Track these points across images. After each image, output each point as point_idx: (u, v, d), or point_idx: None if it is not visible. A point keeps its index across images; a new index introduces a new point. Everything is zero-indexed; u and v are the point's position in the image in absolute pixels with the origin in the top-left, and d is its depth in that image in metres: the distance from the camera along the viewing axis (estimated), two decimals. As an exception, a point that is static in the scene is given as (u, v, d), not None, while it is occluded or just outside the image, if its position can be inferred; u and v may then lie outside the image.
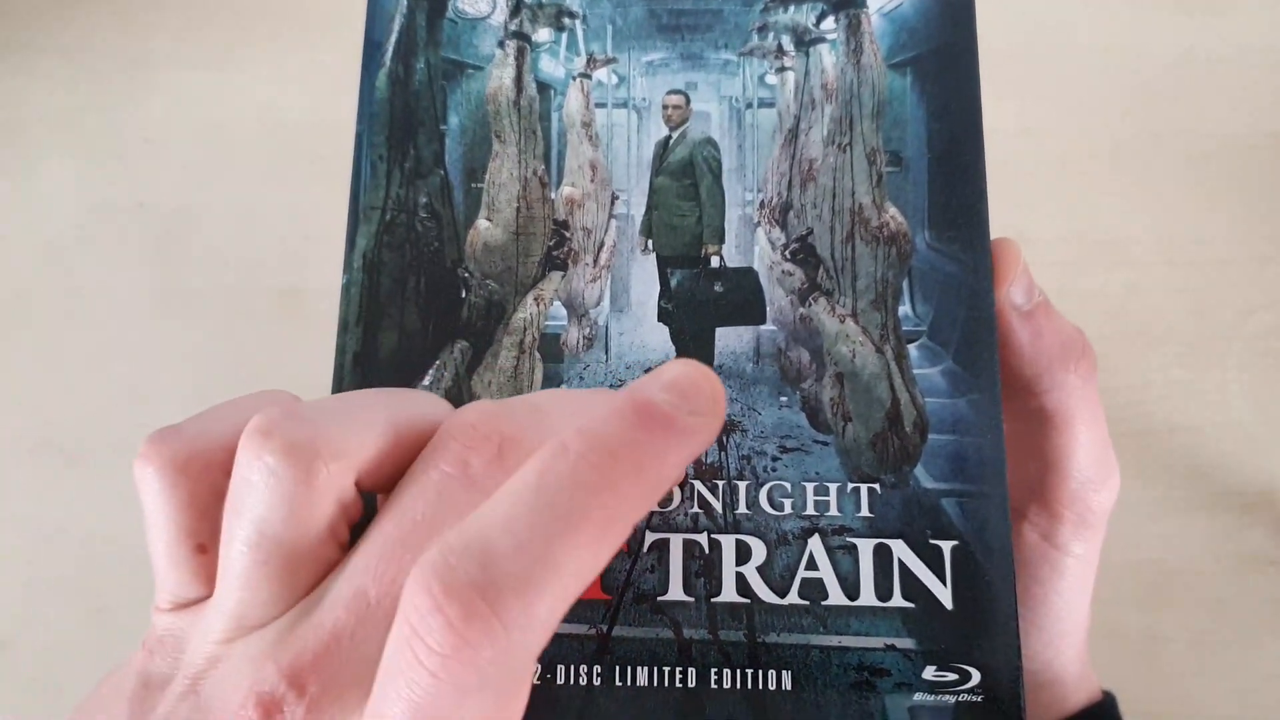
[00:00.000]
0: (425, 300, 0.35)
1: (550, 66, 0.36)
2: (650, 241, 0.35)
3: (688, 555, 0.32)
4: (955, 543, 0.32)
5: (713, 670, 0.31)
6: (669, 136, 0.36)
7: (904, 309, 0.34)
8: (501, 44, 0.36)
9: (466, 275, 0.35)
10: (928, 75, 0.35)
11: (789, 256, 0.35)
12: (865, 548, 0.32)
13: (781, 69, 0.36)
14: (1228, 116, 0.79)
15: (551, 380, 0.34)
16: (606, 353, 0.35)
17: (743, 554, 0.32)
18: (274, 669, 0.22)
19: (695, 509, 0.32)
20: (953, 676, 0.31)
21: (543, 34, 0.36)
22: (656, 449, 0.23)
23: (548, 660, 0.31)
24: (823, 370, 0.34)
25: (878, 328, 0.34)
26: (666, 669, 0.31)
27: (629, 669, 0.31)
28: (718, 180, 0.36)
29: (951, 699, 0.31)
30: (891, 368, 0.33)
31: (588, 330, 0.35)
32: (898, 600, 0.31)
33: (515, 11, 0.36)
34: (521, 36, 0.36)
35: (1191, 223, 0.77)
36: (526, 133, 0.36)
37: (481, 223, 0.35)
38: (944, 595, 0.31)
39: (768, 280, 0.35)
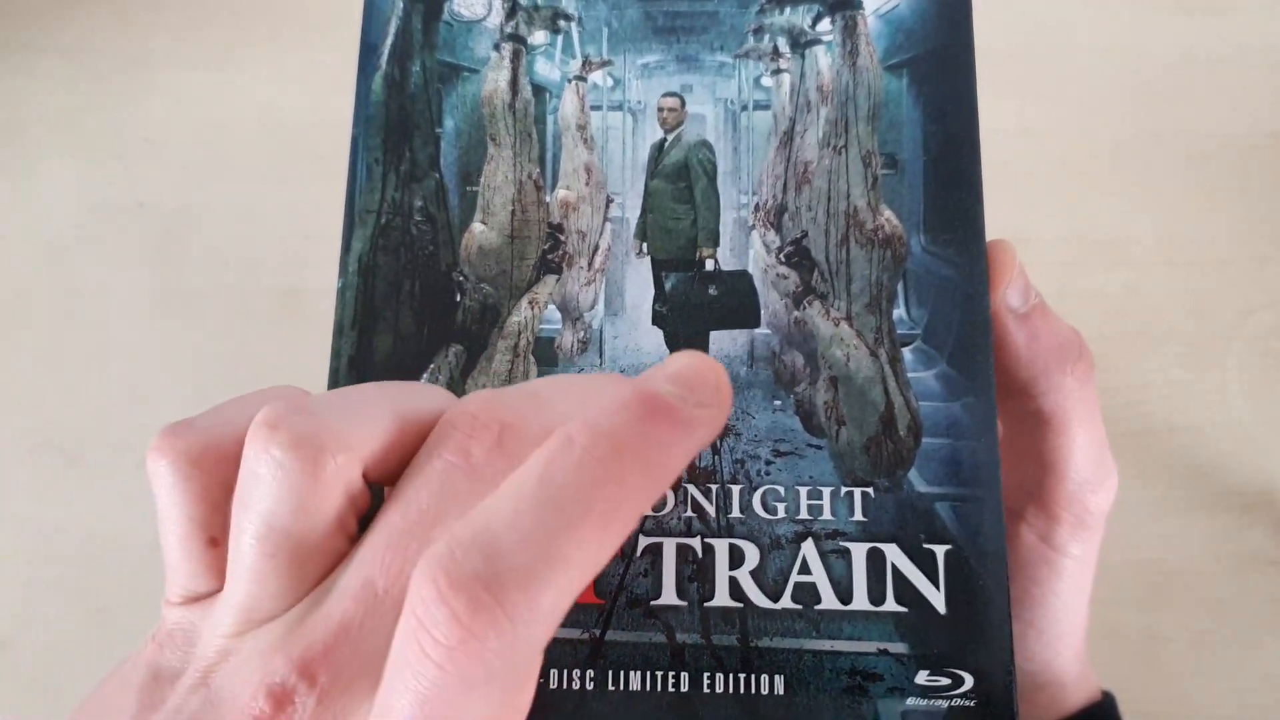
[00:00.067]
0: (420, 304, 0.35)
1: (546, 69, 0.36)
2: (645, 245, 0.35)
3: (681, 559, 0.32)
4: (949, 547, 0.32)
5: (705, 675, 0.31)
6: (664, 139, 0.36)
7: (899, 312, 0.34)
8: (497, 46, 0.36)
9: (461, 279, 0.35)
10: (924, 77, 0.35)
11: (784, 260, 0.35)
12: (858, 552, 0.32)
13: (777, 71, 0.36)
14: (1228, 116, 0.79)
15: None
16: (601, 356, 0.35)
17: (736, 558, 0.32)
18: (284, 660, 0.22)
19: (689, 513, 0.32)
20: (945, 681, 0.31)
21: (538, 36, 0.36)
22: (662, 442, 0.23)
23: (541, 664, 0.31)
24: (817, 374, 0.34)
25: (872, 331, 0.34)
26: (659, 673, 0.31)
27: (622, 673, 0.31)
28: (713, 183, 0.36)
29: (944, 704, 0.31)
30: (886, 371, 0.33)
31: (582, 334, 0.35)
32: (891, 605, 0.31)
33: (511, 14, 0.36)
34: (517, 39, 0.36)
35: (1191, 223, 0.77)
36: (522, 136, 0.36)
37: (476, 226, 0.35)
38: (937, 600, 0.31)
39: (762, 284, 0.35)
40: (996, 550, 0.32)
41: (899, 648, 0.31)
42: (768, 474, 0.33)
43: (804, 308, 0.34)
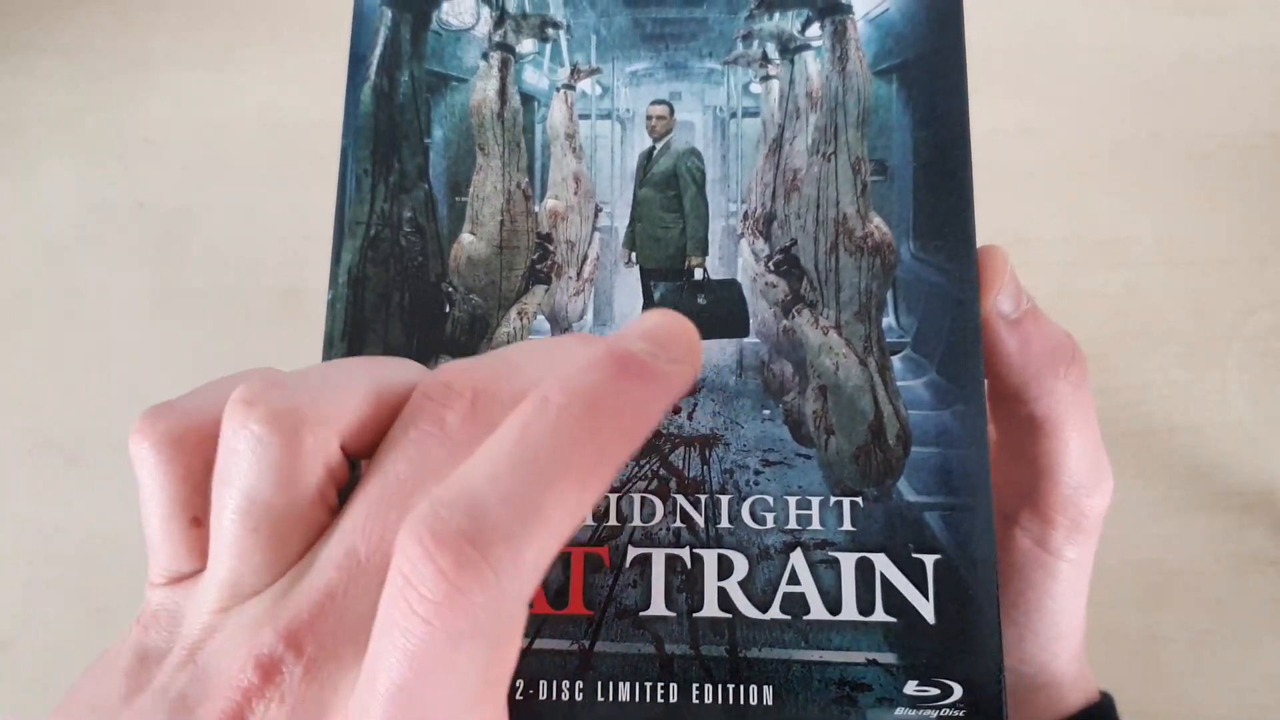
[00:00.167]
0: (409, 315, 0.35)
1: (534, 78, 0.36)
2: (634, 254, 0.35)
3: (670, 570, 0.32)
4: (938, 556, 0.32)
5: (694, 685, 0.31)
6: (653, 147, 0.36)
7: (888, 320, 0.34)
8: (485, 56, 0.36)
9: (450, 290, 0.35)
10: (914, 82, 0.35)
11: (772, 268, 0.35)
12: (847, 562, 0.32)
13: (766, 77, 0.36)
14: (1228, 116, 0.78)
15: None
16: (590, 366, 0.34)
17: (724, 569, 0.32)
18: (271, 632, 0.23)
19: (677, 523, 0.32)
20: (935, 691, 0.31)
21: (527, 45, 0.36)
22: (635, 397, 0.23)
23: (530, 676, 0.31)
24: (806, 383, 0.34)
25: (861, 339, 0.34)
26: (648, 684, 0.31)
27: (611, 684, 0.31)
28: (701, 191, 0.36)
29: (933, 714, 0.31)
30: (875, 380, 0.33)
31: (571, 344, 0.35)
32: (880, 615, 0.31)
33: (499, 23, 0.36)
34: (505, 48, 0.36)
35: (1191, 223, 0.76)
36: (510, 145, 0.36)
37: (465, 236, 0.35)
38: (926, 609, 0.31)
39: (751, 292, 0.35)
40: (986, 559, 0.32)
41: (888, 658, 0.31)
42: (756, 484, 0.33)
43: (793, 316, 0.34)
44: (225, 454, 0.25)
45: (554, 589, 0.32)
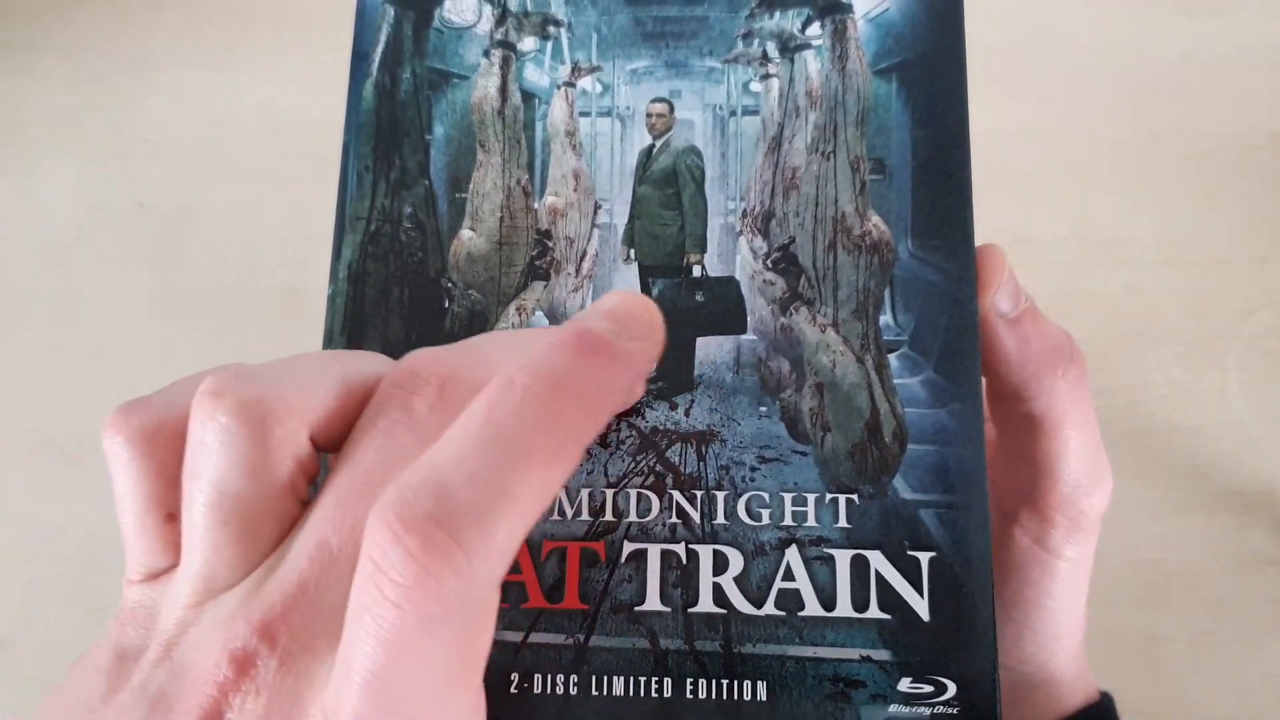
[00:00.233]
0: (409, 311, 0.35)
1: (535, 75, 0.36)
2: (632, 251, 0.35)
3: (665, 565, 0.32)
4: (933, 554, 0.32)
5: (689, 680, 0.31)
6: (652, 145, 0.36)
7: (885, 318, 0.34)
8: (487, 53, 0.36)
9: (450, 285, 0.35)
10: (913, 81, 0.35)
11: (770, 265, 0.35)
12: (842, 559, 0.32)
13: (766, 76, 0.36)
14: (1228, 116, 0.78)
15: None
16: (588, 362, 0.35)
17: (720, 564, 0.32)
18: (244, 625, 0.23)
19: (673, 519, 0.32)
20: (928, 688, 0.31)
21: (528, 43, 0.36)
22: (598, 375, 0.24)
23: (525, 669, 0.31)
24: (803, 380, 0.34)
25: (858, 337, 0.34)
26: (643, 679, 0.31)
27: (605, 679, 0.31)
28: (700, 189, 0.36)
29: (927, 711, 0.31)
30: (872, 378, 0.33)
31: (569, 340, 0.35)
32: (874, 611, 0.31)
33: (501, 20, 0.36)
34: (507, 45, 0.36)
35: (1191, 223, 0.77)
36: (511, 142, 0.36)
37: (465, 233, 0.35)
38: (921, 607, 0.31)
39: (749, 289, 0.35)
40: (981, 557, 0.32)
41: (882, 654, 0.31)
42: (752, 480, 0.33)
43: (790, 314, 0.34)
44: (194, 446, 0.25)
45: (549, 583, 0.32)
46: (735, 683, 0.31)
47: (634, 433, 0.33)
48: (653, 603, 0.32)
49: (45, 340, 0.77)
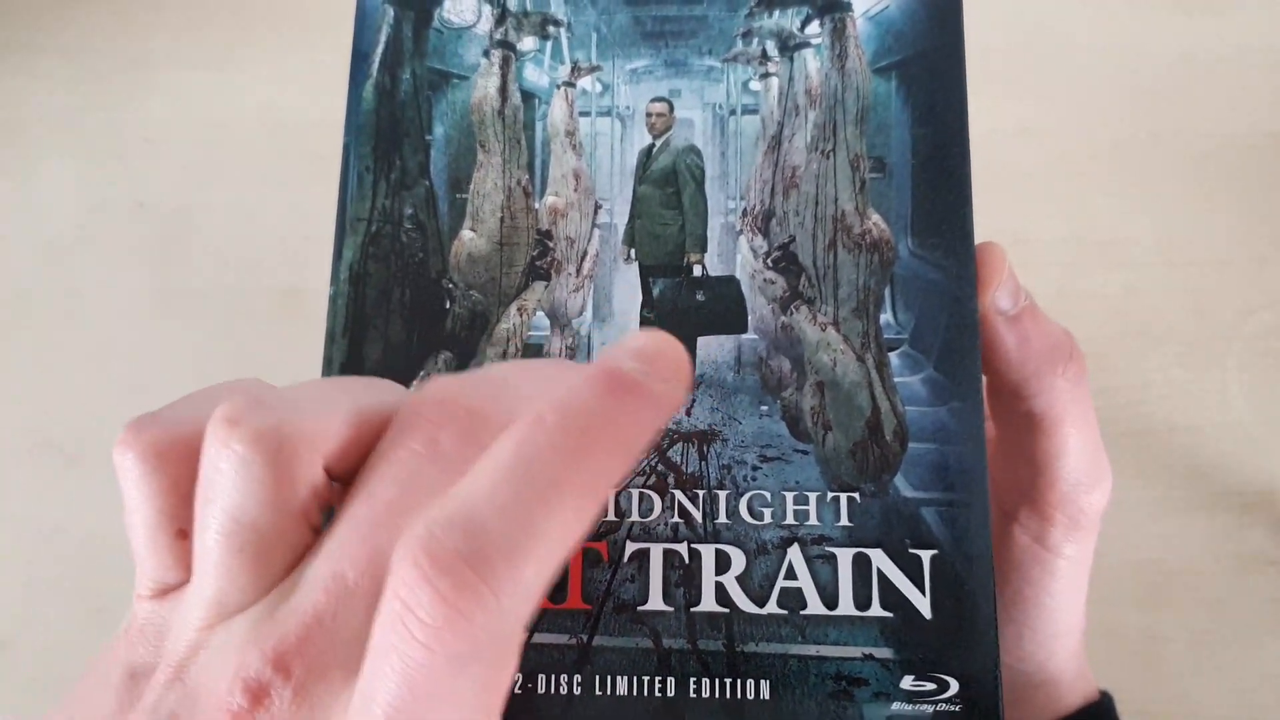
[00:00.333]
0: (410, 311, 0.35)
1: (535, 75, 0.36)
2: (633, 250, 0.36)
3: (667, 565, 0.32)
4: (934, 552, 0.32)
5: (692, 680, 0.31)
6: (652, 144, 0.36)
7: (886, 317, 0.34)
8: (487, 53, 0.36)
9: (451, 286, 0.35)
10: (913, 80, 0.35)
11: (771, 265, 0.35)
12: (844, 557, 0.32)
13: (765, 75, 0.36)
14: (1227, 116, 0.78)
15: None
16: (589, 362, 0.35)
17: (722, 563, 0.32)
18: (258, 654, 0.22)
19: (675, 518, 0.32)
20: (931, 686, 0.31)
21: (527, 43, 0.36)
22: (629, 416, 0.23)
23: (528, 670, 0.31)
24: (803, 379, 0.34)
25: (859, 336, 0.34)
26: (646, 678, 0.31)
27: (609, 678, 0.31)
28: (700, 188, 0.36)
29: (930, 708, 0.31)
30: (872, 376, 0.33)
31: (570, 340, 0.35)
32: (876, 610, 0.31)
33: (500, 20, 0.36)
34: (506, 45, 0.36)
35: (1191, 223, 0.77)
36: (511, 142, 0.36)
37: (466, 233, 0.35)
38: (922, 604, 0.31)
39: (749, 289, 0.35)
40: (982, 555, 0.32)
41: (884, 653, 0.31)
42: (754, 479, 0.33)
43: (791, 313, 0.34)
44: (209, 472, 0.25)
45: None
46: (738, 682, 0.31)
47: None
48: (655, 602, 0.32)
49: (45, 340, 0.77)
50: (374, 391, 0.27)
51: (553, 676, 0.31)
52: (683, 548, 0.32)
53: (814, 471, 0.33)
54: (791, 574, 0.32)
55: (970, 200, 0.34)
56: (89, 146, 0.82)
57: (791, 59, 0.36)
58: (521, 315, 0.35)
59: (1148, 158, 0.78)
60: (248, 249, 0.79)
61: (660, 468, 0.33)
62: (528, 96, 0.36)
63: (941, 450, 0.33)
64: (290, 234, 0.79)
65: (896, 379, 0.34)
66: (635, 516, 0.32)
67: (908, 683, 0.31)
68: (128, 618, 0.26)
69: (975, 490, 0.32)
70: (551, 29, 0.36)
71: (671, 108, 0.36)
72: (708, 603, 0.32)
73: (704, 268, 0.35)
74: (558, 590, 0.32)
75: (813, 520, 0.32)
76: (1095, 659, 0.42)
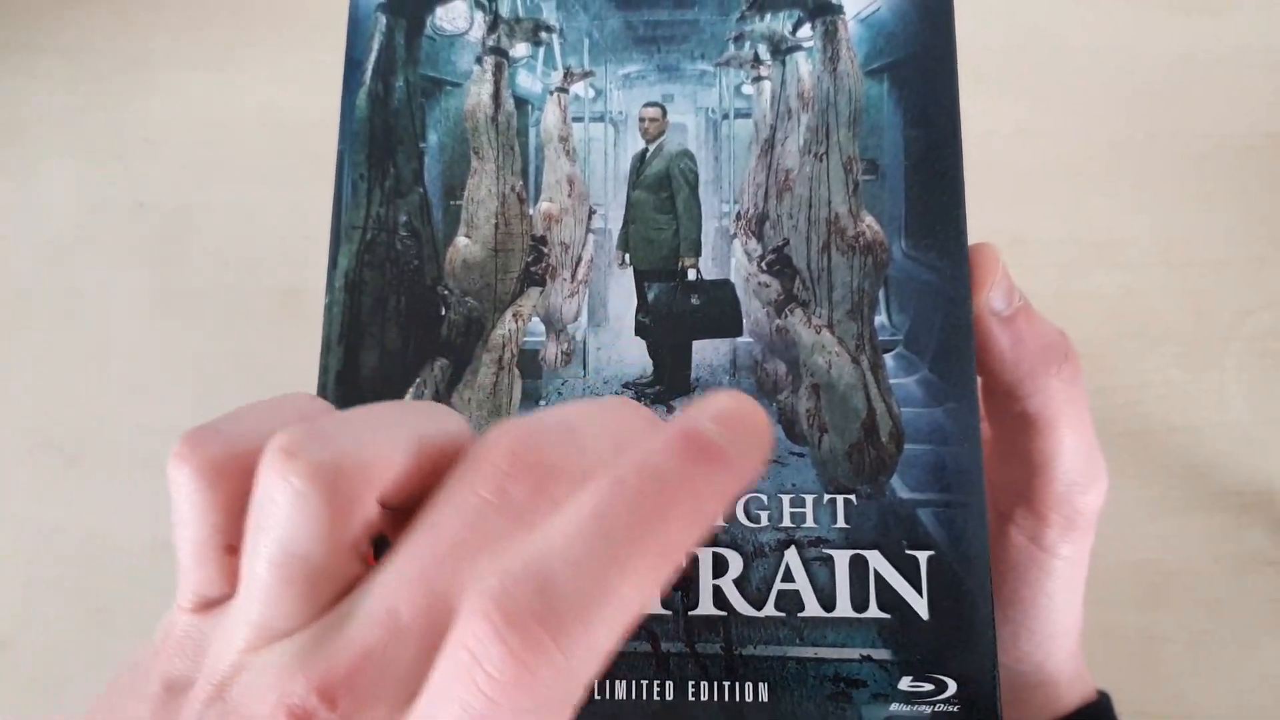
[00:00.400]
0: (405, 319, 0.35)
1: (528, 81, 0.37)
2: (627, 255, 0.36)
3: None
4: (931, 553, 0.32)
5: (690, 683, 0.31)
6: (646, 149, 0.36)
7: (880, 318, 0.34)
8: (479, 60, 0.36)
9: (446, 293, 0.35)
10: (905, 82, 0.35)
11: (765, 268, 0.35)
12: (841, 559, 0.32)
13: (758, 79, 0.36)
14: (1227, 116, 0.78)
15: (530, 397, 0.35)
16: (585, 367, 0.35)
17: (720, 567, 0.32)
18: (303, 681, 0.22)
19: None
20: (929, 687, 0.31)
21: (520, 49, 0.36)
22: (709, 484, 0.23)
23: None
24: (799, 381, 0.34)
25: (854, 338, 0.34)
26: (645, 682, 0.31)
27: (607, 683, 0.31)
28: (694, 193, 0.36)
29: (928, 709, 0.31)
30: (867, 378, 0.34)
31: (566, 345, 0.35)
32: (874, 611, 0.32)
33: (492, 27, 0.37)
34: (499, 52, 0.36)
35: (1190, 223, 0.77)
36: (504, 149, 0.36)
37: (460, 240, 0.35)
38: (920, 605, 0.32)
39: (744, 292, 0.35)
40: (979, 555, 0.32)
41: (882, 654, 0.31)
42: None
43: (786, 316, 0.34)
44: (263, 500, 0.24)
45: None
46: (737, 685, 0.31)
47: None
48: (654, 606, 0.32)
49: (45, 340, 0.77)
50: (433, 420, 0.27)
51: None
52: None
53: (810, 474, 0.33)
54: (789, 576, 0.32)
55: (963, 201, 0.34)
56: (89, 146, 0.82)
57: (784, 62, 0.36)
58: (517, 321, 0.35)
59: (1146, 158, 0.78)
60: (248, 249, 0.79)
61: None
62: (521, 103, 0.36)
63: (937, 451, 0.33)
64: (290, 234, 0.79)
65: (892, 380, 0.34)
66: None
67: (906, 684, 0.31)
68: (161, 626, 0.26)
69: (972, 491, 0.32)
70: (544, 35, 0.37)
71: (664, 112, 0.36)
72: (705, 606, 0.32)
73: (698, 272, 0.35)
74: None
75: (809, 522, 0.32)
76: (1094, 659, 0.42)
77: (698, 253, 0.35)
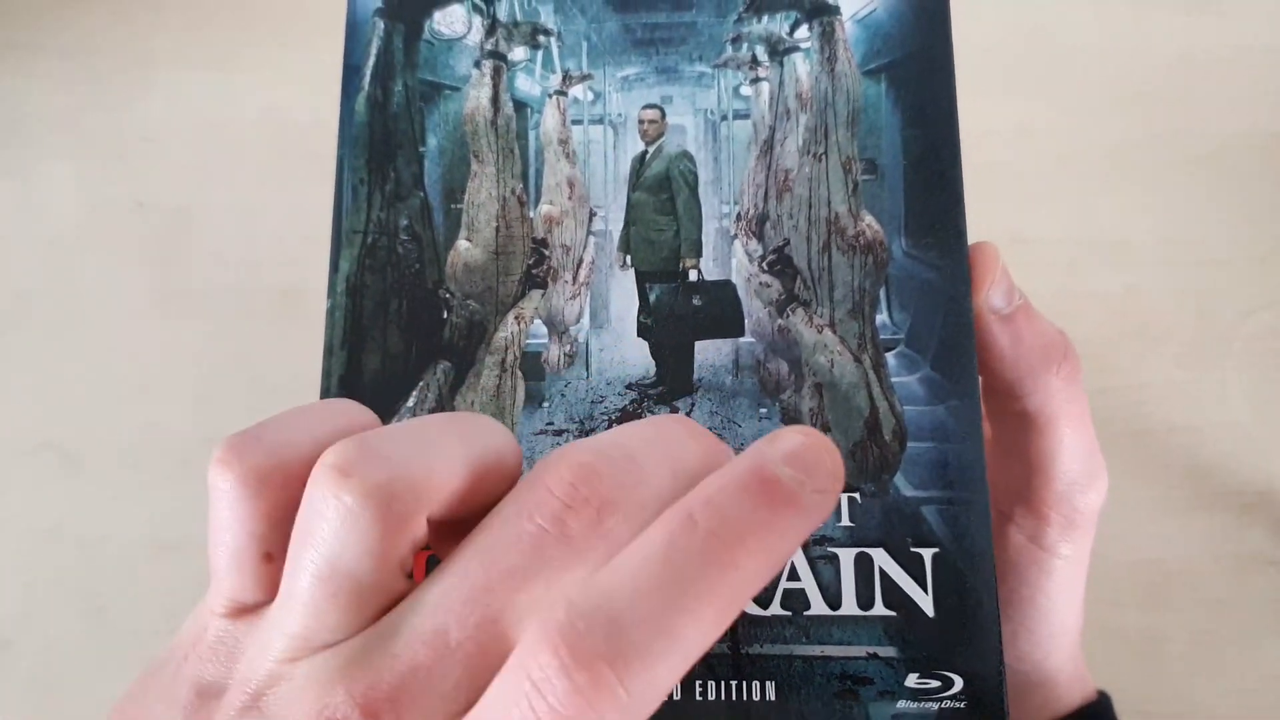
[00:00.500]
0: (407, 322, 0.35)
1: (526, 85, 0.37)
2: (628, 257, 0.36)
3: None
4: (936, 550, 0.32)
5: (697, 682, 0.31)
6: (645, 151, 0.36)
7: (881, 317, 0.34)
8: (478, 64, 0.36)
9: (447, 296, 0.35)
10: (902, 81, 0.35)
11: (766, 268, 0.35)
12: (846, 557, 0.32)
13: (756, 80, 0.36)
14: (1228, 116, 0.78)
15: (533, 399, 0.35)
16: (587, 369, 0.35)
17: None
18: (345, 695, 0.22)
19: None
20: (935, 683, 0.31)
21: (518, 52, 0.36)
22: (781, 527, 0.23)
23: None
24: (801, 381, 0.34)
25: (855, 337, 0.34)
26: None
27: None
28: (694, 194, 0.36)
29: (934, 706, 0.31)
30: (870, 377, 0.34)
31: (568, 347, 0.35)
32: (879, 609, 0.32)
33: (491, 31, 0.37)
34: (497, 56, 0.36)
35: (1191, 223, 0.77)
36: (504, 152, 0.36)
37: (461, 243, 0.35)
38: (925, 603, 0.32)
39: (745, 292, 0.35)
40: (984, 552, 0.32)
41: (888, 651, 0.31)
42: None
43: (787, 315, 0.34)
44: (311, 515, 0.24)
45: None
46: (744, 684, 0.31)
47: None
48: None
49: (45, 340, 0.77)
50: (482, 436, 0.26)
51: None
52: None
53: None
54: (794, 575, 0.32)
55: (963, 199, 0.34)
56: (89, 146, 0.82)
57: (781, 63, 0.36)
58: (519, 324, 0.35)
59: (1147, 158, 0.78)
60: (248, 249, 0.79)
61: None
62: (520, 106, 0.36)
63: (940, 449, 0.33)
64: (290, 234, 0.79)
65: (894, 379, 0.34)
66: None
67: (912, 681, 0.31)
68: (189, 629, 0.26)
69: (975, 488, 0.32)
70: (542, 38, 0.37)
71: (663, 114, 0.36)
72: None
73: (700, 272, 0.35)
74: None
75: None
76: (1095, 659, 0.42)
77: (699, 253, 0.35)
